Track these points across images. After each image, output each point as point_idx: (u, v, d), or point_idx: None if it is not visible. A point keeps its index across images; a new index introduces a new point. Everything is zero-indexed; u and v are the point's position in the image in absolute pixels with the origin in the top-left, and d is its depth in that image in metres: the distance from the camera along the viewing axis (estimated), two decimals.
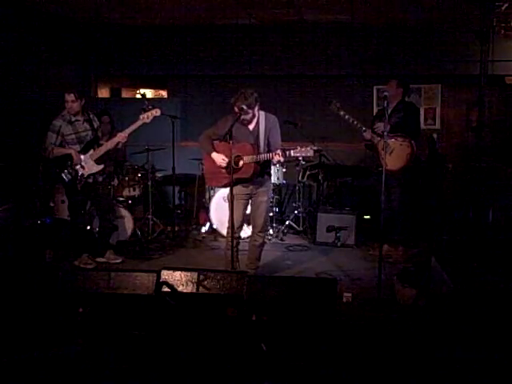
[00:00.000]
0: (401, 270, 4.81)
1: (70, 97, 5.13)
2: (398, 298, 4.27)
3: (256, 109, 4.50)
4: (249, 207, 4.82)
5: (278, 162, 4.50)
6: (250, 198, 4.70)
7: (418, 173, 5.98)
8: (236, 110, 4.41)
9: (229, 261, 4.63)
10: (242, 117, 4.41)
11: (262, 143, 4.56)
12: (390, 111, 5.46)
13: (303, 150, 4.34)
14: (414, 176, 5.73)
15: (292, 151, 4.36)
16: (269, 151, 4.51)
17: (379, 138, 5.38)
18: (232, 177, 4.29)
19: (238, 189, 4.55)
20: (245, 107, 4.36)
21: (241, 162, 4.45)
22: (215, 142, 4.62)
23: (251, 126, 4.57)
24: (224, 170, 4.58)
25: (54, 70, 7.15)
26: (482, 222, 5.93)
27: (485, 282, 4.64)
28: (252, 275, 4.22)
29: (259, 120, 4.57)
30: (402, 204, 5.61)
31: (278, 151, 4.35)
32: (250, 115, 4.47)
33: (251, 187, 4.61)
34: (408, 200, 5.70)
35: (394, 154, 5.36)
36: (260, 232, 4.76)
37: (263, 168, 4.62)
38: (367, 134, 5.49)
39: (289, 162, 6.48)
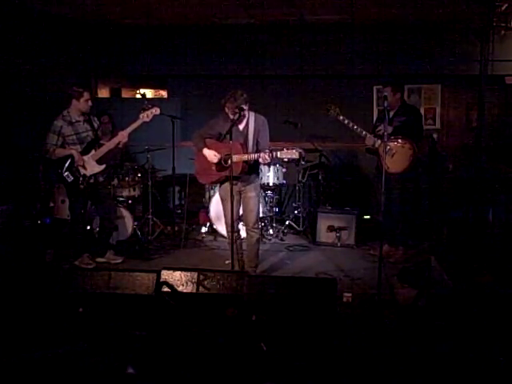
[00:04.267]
0: (401, 269, 4.82)
1: (88, 95, 5.20)
2: (398, 298, 4.28)
3: (246, 108, 4.60)
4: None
5: (265, 161, 4.55)
6: (240, 194, 4.80)
7: (418, 173, 5.98)
8: (227, 110, 4.56)
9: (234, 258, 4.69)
10: (232, 117, 4.51)
11: (251, 143, 4.68)
12: (391, 115, 5.46)
13: (289, 152, 4.41)
14: (414, 176, 5.73)
15: (278, 153, 4.44)
16: (257, 151, 4.62)
17: (380, 141, 5.36)
18: (232, 173, 4.38)
19: (227, 186, 4.63)
20: (245, 107, 4.50)
21: (229, 161, 4.51)
22: (207, 140, 4.76)
23: (241, 126, 4.68)
24: (214, 168, 4.73)
25: (54, 70, 7.15)
26: (482, 222, 5.93)
27: (485, 282, 4.63)
28: (252, 275, 4.23)
29: (249, 120, 4.68)
30: (402, 204, 5.60)
31: (266, 151, 4.45)
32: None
33: (239, 184, 4.73)
34: (408, 200, 5.69)
35: (396, 157, 5.34)
36: (253, 228, 4.83)
37: (252, 167, 4.72)
38: (369, 140, 5.42)
39: (286, 162, 6.48)
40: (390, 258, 5.49)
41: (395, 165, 5.31)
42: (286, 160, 6.08)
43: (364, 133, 5.41)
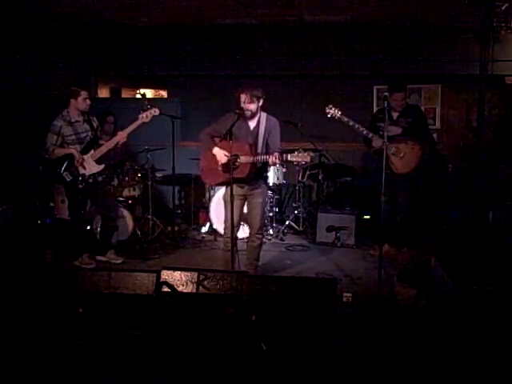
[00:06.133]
0: (401, 270, 4.81)
1: (86, 94, 5.18)
2: (398, 298, 4.27)
3: (260, 103, 4.49)
4: (245, 208, 4.81)
5: (274, 164, 4.48)
6: (246, 198, 4.69)
7: (420, 173, 5.95)
8: (242, 99, 4.40)
9: (226, 261, 4.62)
10: (245, 105, 4.38)
11: (261, 144, 4.54)
12: (396, 116, 5.41)
13: (300, 155, 4.31)
14: (418, 177, 5.69)
15: (289, 155, 4.33)
16: (267, 153, 4.49)
17: (388, 143, 5.26)
18: (231, 175, 4.27)
19: (234, 189, 4.50)
20: (260, 102, 4.40)
21: (237, 161, 4.40)
22: (215, 139, 4.58)
23: (252, 125, 4.56)
24: (220, 168, 4.57)
25: (54, 69, 7.15)
26: (482, 222, 5.93)
27: (485, 282, 4.63)
28: (252, 275, 4.22)
29: (260, 120, 4.55)
30: (408, 205, 5.56)
31: (276, 154, 4.34)
32: (253, 107, 4.44)
33: (246, 188, 4.61)
34: (413, 201, 5.65)
35: (405, 158, 5.28)
36: (257, 233, 4.74)
37: (259, 171, 4.60)
38: (376, 142, 5.24)
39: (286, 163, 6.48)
40: (396, 260, 5.47)
41: (403, 166, 5.26)
42: (296, 163, 6.06)
43: (371, 135, 5.26)
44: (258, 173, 4.60)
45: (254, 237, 4.76)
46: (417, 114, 5.55)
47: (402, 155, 5.29)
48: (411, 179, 5.46)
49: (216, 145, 4.56)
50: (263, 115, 4.58)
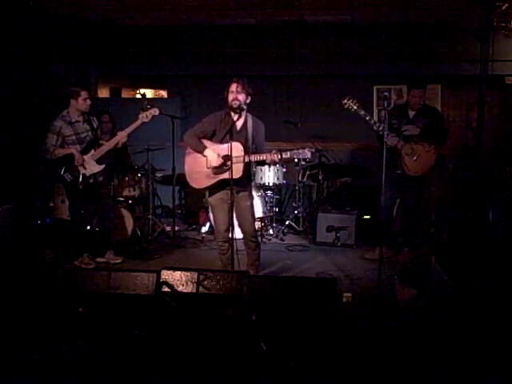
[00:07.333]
0: (401, 270, 4.81)
1: (86, 94, 5.18)
2: (398, 297, 4.27)
3: (248, 100, 4.41)
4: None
5: (272, 162, 4.38)
6: (233, 202, 4.51)
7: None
8: (233, 88, 4.35)
9: (224, 264, 4.61)
10: (234, 95, 4.32)
11: (250, 144, 4.47)
12: (412, 115, 5.36)
13: (300, 151, 4.25)
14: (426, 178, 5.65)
15: (289, 152, 4.27)
16: (262, 152, 4.42)
17: (404, 142, 5.20)
18: (231, 176, 4.17)
19: (221, 193, 4.49)
20: (235, 84, 4.32)
21: (228, 162, 4.26)
22: (203, 141, 4.50)
23: (239, 126, 4.46)
24: (209, 171, 4.44)
25: (54, 69, 7.15)
26: (482, 222, 5.93)
27: (485, 282, 4.63)
28: (252, 275, 4.21)
29: (247, 120, 4.48)
30: (415, 207, 5.53)
31: (274, 151, 4.29)
32: (241, 99, 4.35)
33: (234, 190, 4.36)
34: (419, 203, 5.62)
35: (419, 160, 5.21)
36: (252, 237, 4.65)
37: (249, 172, 4.56)
38: (392, 140, 5.09)
39: (286, 162, 6.47)
40: (398, 259, 5.46)
41: (416, 168, 5.21)
42: (296, 160, 6.01)
43: (388, 132, 5.06)
44: (248, 173, 4.57)
45: (250, 242, 4.66)
46: (434, 115, 5.46)
47: (416, 157, 5.20)
48: (421, 182, 5.42)
49: (206, 147, 4.45)
50: (249, 116, 4.51)
